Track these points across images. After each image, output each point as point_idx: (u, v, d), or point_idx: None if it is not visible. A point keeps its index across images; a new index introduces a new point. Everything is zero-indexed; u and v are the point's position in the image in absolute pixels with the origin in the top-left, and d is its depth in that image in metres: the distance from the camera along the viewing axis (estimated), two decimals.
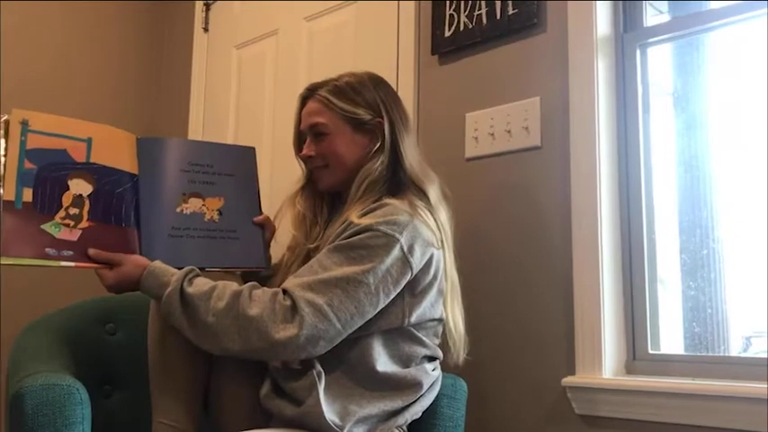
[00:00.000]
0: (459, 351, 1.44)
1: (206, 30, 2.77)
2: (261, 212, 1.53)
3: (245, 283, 1.30)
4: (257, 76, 2.54)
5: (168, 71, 2.92)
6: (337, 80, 1.47)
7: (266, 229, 1.52)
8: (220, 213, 1.46)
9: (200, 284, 1.26)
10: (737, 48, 1.60)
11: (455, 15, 1.92)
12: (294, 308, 1.22)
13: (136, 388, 1.57)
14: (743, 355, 1.55)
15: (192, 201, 1.45)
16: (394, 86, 1.56)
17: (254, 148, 1.59)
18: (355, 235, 1.28)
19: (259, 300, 1.23)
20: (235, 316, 1.21)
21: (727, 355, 1.56)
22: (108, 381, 1.59)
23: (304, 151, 1.48)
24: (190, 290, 1.24)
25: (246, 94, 2.58)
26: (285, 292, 1.25)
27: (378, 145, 1.42)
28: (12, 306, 2.33)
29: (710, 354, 1.58)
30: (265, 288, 1.27)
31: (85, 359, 1.51)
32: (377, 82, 1.48)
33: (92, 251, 1.29)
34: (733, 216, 1.57)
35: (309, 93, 1.49)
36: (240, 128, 2.57)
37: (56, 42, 2.64)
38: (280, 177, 2.29)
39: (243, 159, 1.56)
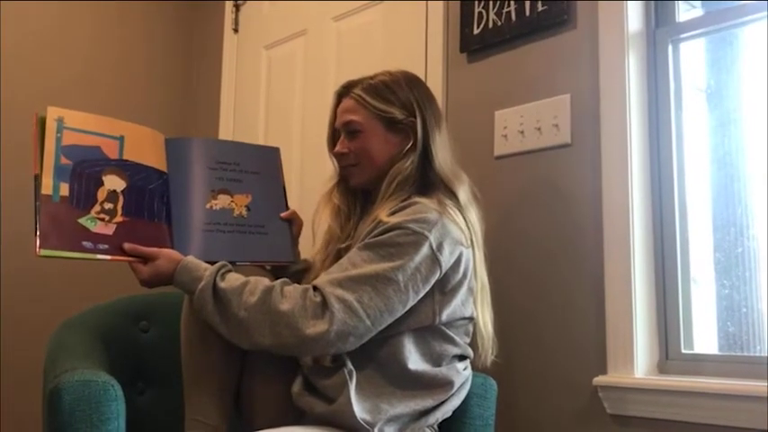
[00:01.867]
0: (488, 352, 1.44)
1: (236, 30, 2.79)
2: (288, 208, 1.55)
3: (275, 278, 1.32)
4: (287, 77, 2.56)
5: (199, 72, 2.95)
6: (372, 78, 1.47)
7: (293, 224, 1.55)
8: (248, 209, 1.49)
9: (233, 279, 1.28)
10: None
11: (484, 13, 1.92)
12: (324, 304, 1.23)
13: (168, 385, 1.59)
14: None
15: (221, 197, 1.47)
16: None
17: (278, 149, 1.63)
18: (385, 233, 1.29)
19: (290, 296, 1.25)
20: (266, 311, 1.23)
21: (762, 355, 1.53)
22: (141, 378, 1.62)
23: (337, 148, 1.48)
24: (222, 284, 1.26)
25: (276, 95, 2.60)
26: (315, 288, 1.26)
27: (410, 144, 1.42)
28: (46, 304, 2.37)
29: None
30: (296, 285, 1.29)
31: (119, 356, 1.53)
32: (412, 81, 1.48)
33: (127, 245, 1.32)
34: None
35: (345, 90, 1.50)
36: (270, 128, 2.59)
37: (85, 45, 2.67)
38: (309, 176, 2.31)
39: (268, 158, 1.59)
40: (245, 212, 1.49)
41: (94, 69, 2.68)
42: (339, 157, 1.49)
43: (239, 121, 2.72)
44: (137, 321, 1.66)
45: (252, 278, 1.29)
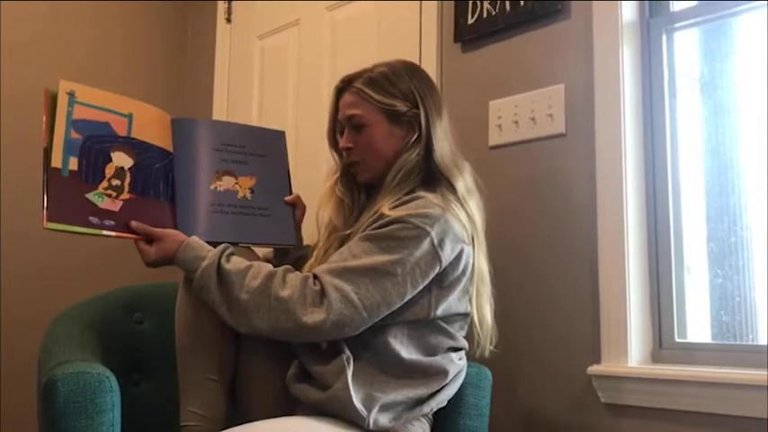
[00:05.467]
0: (486, 343, 1.44)
1: (228, 20, 2.78)
2: (291, 192, 1.56)
3: (277, 263, 1.33)
4: (280, 67, 2.55)
5: (192, 63, 2.93)
6: (372, 71, 1.46)
7: (297, 209, 1.55)
8: (252, 191, 1.50)
9: (237, 262, 1.30)
10: (766, 33, 1.57)
11: (478, 3, 1.91)
12: (323, 293, 1.24)
13: (163, 376, 1.59)
14: None
15: (226, 179, 1.48)
16: None
17: (283, 132, 1.63)
18: (386, 226, 1.29)
19: (291, 283, 1.26)
20: (267, 296, 1.25)
21: (755, 343, 1.54)
22: (136, 369, 1.62)
23: (342, 143, 1.48)
24: (227, 266, 1.28)
25: (270, 85, 2.59)
26: (315, 276, 1.27)
27: (415, 136, 1.41)
28: (42, 296, 2.37)
29: (738, 342, 1.56)
30: (298, 272, 1.30)
31: (114, 348, 1.53)
32: (411, 70, 1.48)
33: (134, 223, 1.34)
34: (761, 203, 1.55)
35: (345, 85, 1.48)
36: (264, 118, 2.58)
37: (84, 39, 2.65)
38: (303, 165, 2.30)
39: (273, 142, 1.59)
40: (249, 195, 1.49)
41: (90, 65, 2.65)
42: (345, 151, 1.48)
43: (233, 111, 2.71)
44: (131, 313, 1.65)
45: (255, 262, 1.30)
